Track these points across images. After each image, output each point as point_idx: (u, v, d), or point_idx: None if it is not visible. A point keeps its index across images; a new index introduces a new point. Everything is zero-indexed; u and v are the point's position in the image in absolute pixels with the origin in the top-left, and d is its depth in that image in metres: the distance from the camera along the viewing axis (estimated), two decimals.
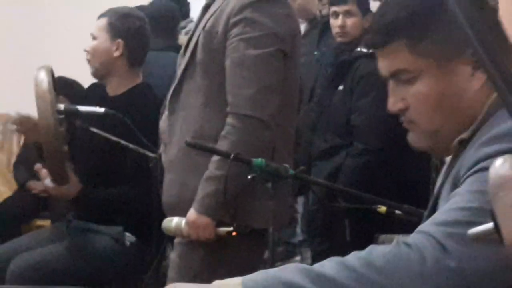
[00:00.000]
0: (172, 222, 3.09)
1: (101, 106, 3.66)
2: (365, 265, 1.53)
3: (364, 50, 4.48)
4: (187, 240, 3.10)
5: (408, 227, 3.34)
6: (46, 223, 5.64)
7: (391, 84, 1.83)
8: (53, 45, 7.21)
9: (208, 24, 3.16)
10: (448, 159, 1.86)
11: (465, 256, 1.46)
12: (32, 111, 3.65)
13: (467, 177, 1.58)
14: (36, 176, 3.99)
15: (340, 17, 4.92)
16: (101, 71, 3.99)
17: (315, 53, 5.35)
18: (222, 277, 3.02)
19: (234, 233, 3.00)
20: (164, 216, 3.20)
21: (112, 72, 3.98)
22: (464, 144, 1.75)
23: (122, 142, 3.55)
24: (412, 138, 1.85)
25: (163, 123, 3.36)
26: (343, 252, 5.13)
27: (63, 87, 4.95)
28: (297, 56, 3.28)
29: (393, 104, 1.82)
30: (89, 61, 4.03)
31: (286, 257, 6.56)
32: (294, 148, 3.58)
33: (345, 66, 4.82)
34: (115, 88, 3.99)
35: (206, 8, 3.29)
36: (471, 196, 1.51)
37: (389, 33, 1.81)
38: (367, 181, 4.23)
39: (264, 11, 3.08)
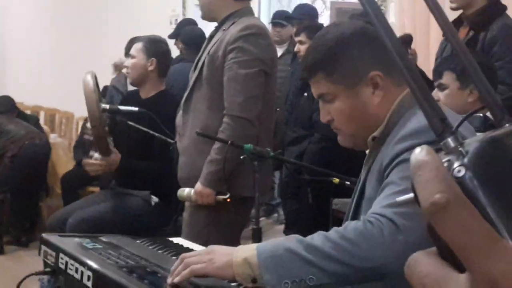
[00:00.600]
0: (184, 191, 3.09)
1: (135, 106, 3.71)
2: (341, 237, 1.53)
3: None
4: (194, 204, 3.10)
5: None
6: (96, 189, 5.55)
7: (320, 103, 1.86)
8: (98, 53, 7.18)
9: (212, 50, 3.15)
10: (367, 151, 1.87)
11: (408, 229, 1.47)
12: (78, 105, 3.66)
13: (392, 168, 1.60)
14: (88, 155, 4.00)
15: (298, 45, 5.00)
16: (138, 81, 3.97)
17: (289, 68, 5.36)
18: (219, 230, 3.10)
19: (229, 200, 3.01)
20: (180, 186, 3.20)
21: (146, 81, 3.95)
22: (376, 140, 1.76)
23: (150, 131, 3.55)
24: (340, 139, 1.88)
25: (178, 119, 3.31)
26: (307, 211, 5.15)
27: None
28: (275, 74, 3.26)
29: (323, 117, 1.85)
30: (128, 73, 4.03)
31: (267, 214, 6.55)
32: (273, 137, 3.56)
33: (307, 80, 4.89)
34: (147, 92, 3.96)
35: (210, 38, 3.29)
36: (401, 181, 1.53)
37: (310, 70, 1.83)
38: (324, 160, 4.19)
39: (251, 42, 3.07)
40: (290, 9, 6.83)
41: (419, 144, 0.43)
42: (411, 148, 1.35)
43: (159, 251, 1.91)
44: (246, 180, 3.01)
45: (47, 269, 1.81)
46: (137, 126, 3.62)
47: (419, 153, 0.41)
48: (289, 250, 1.56)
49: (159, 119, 3.58)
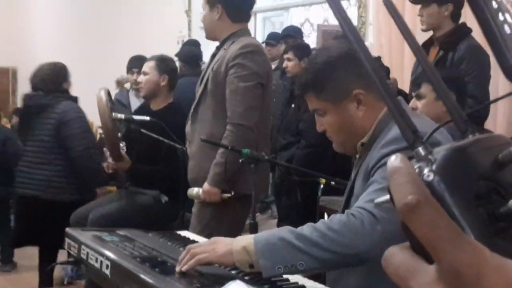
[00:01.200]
0: (194, 190, 3.09)
1: (147, 116, 3.74)
2: (327, 228, 1.57)
3: None
4: (202, 201, 3.10)
5: (338, 191, 3.40)
6: (113, 189, 5.52)
7: (315, 115, 1.88)
8: (113, 69, 7.16)
9: (215, 66, 3.14)
10: (357, 156, 1.88)
11: (386, 220, 1.49)
12: (96, 115, 3.66)
13: (377, 169, 1.62)
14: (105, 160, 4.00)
15: (286, 61, 5.00)
16: (151, 94, 3.94)
17: (280, 81, 5.34)
18: (223, 224, 3.10)
19: (231, 197, 3.02)
20: (189, 186, 3.19)
21: (158, 95, 3.93)
22: (365, 146, 1.79)
23: (160, 138, 3.53)
24: (334, 146, 1.89)
25: (188, 128, 3.30)
26: (297, 207, 5.11)
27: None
28: (270, 86, 3.26)
29: (318, 127, 1.87)
30: (141, 88, 4.00)
31: (262, 211, 6.52)
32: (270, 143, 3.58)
33: (294, 92, 4.81)
34: (157, 105, 3.95)
35: (213, 56, 3.27)
36: (383, 180, 1.55)
37: (303, 90, 1.87)
38: (310, 163, 4.17)
39: (249, 59, 3.07)
40: (282, 27, 6.85)
41: (400, 149, 0.43)
42: (393, 152, 1.36)
43: (168, 243, 1.92)
44: (246, 180, 2.99)
45: (71, 259, 1.82)
46: (149, 133, 3.62)
47: (394, 160, 0.42)
48: (282, 239, 1.59)
49: (168, 128, 3.57)
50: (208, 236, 2.18)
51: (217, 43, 3.36)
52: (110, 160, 3.78)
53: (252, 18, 4.17)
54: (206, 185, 3.05)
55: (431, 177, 0.41)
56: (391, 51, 4.84)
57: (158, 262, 1.56)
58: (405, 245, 0.42)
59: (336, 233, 1.57)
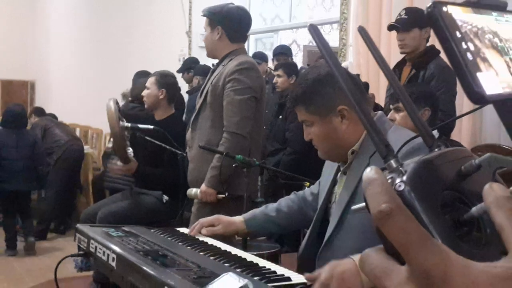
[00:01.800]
0: (192, 191, 3.09)
1: (151, 125, 3.73)
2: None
3: None
4: (200, 201, 3.11)
5: None
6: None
7: (304, 125, 1.88)
8: (121, 82, 7.18)
9: (214, 81, 3.16)
10: (340, 163, 1.90)
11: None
12: (106, 123, 3.66)
13: None
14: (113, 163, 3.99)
15: (276, 77, 5.01)
16: (152, 106, 3.95)
17: (270, 95, 5.35)
18: None
19: (225, 198, 3.02)
20: (188, 187, 3.19)
21: (158, 107, 3.93)
22: (356, 153, 1.80)
23: (162, 144, 3.54)
24: (319, 154, 1.89)
25: (188, 135, 3.31)
26: None
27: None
28: (263, 99, 3.26)
29: (306, 136, 1.87)
30: (145, 101, 4.00)
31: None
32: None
33: (282, 105, 4.85)
34: (159, 115, 3.95)
35: (212, 72, 3.29)
36: None
37: (294, 102, 1.87)
38: (295, 168, 4.18)
39: (245, 75, 3.08)
40: (272, 48, 6.88)
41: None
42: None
43: (169, 238, 1.91)
44: (239, 183, 3.00)
45: (80, 252, 1.81)
46: (153, 140, 3.61)
47: (369, 172, 0.41)
48: (264, 213, 2.14)
49: (169, 136, 3.57)
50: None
51: (214, 60, 3.37)
52: (118, 163, 3.78)
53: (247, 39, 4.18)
54: (203, 186, 3.06)
55: (402, 187, 0.41)
56: (369, 69, 4.86)
57: (159, 255, 1.55)
58: (380, 248, 0.42)
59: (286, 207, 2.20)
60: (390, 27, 3.75)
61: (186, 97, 5.97)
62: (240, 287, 1.25)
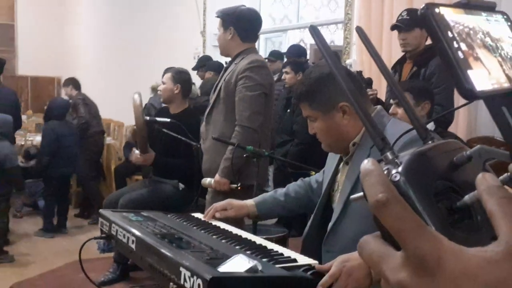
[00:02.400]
0: (207, 180, 3.08)
1: (167, 118, 3.74)
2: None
3: None
4: (214, 190, 3.11)
5: None
6: (139, 177, 5.54)
7: (308, 120, 1.89)
8: (141, 78, 7.20)
9: (227, 78, 3.15)
10: (342, 155, 1.90)
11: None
12: (126, 116, 3.68)
13: None
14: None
15: (284, 74, 5.01)
16: (167, 100, 3.98)
17: (282, 90, 5.35)
18: None
19: (239, 188, 3.01)
20: (202, 176, 3.19)
21: (173, 101, 3.95)
22: (357, 145, 1.80)
23: (178, 136, 3.55)
24: (322, 146, 1.89)
25: (202, 128, 3.31)
26: None
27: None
28: (273, 95, 3.26)
29: (310, 130, 1.88)
30: (160, 95, 4.02)
31: None
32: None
33: (290, 99, 4.83)
34: (174, 109, 3.96)
35: (225, 69, 3.29)
36: None
37: (298, 99, 1.88)
38: (302, 158, 4.16)
39: (255, 72, 3.08)
40: (280, 49, 6.84)
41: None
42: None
43: (184, 223, 1.92)
44: (250, 172, 3.01)
45: (103, 235, 1.82)
46: (169, 132, 3.63)
47: (366, 163, 0.41)
48: (273, 196, 2.17)
49: (185, 127, 3.59)
50: (220, 218, 2.18)
51: (227, 58, 3.37)
52: (137, 152, 3.79)
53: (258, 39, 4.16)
54: (217, 176, 3.06)
55: (398, 177, 0.41)
56: (371, 66, 4.82)
57: (175, 238, 1.55)
58: (377, 235, 0.42)
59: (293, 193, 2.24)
60: (393, 27, 3.73)
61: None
62: (250, 268, 1.26)
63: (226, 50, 3.30)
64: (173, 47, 7.57)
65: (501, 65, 0.43)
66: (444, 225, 0.40)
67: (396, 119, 1.88)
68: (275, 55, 5.97)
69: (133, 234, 1.58)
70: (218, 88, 3.22)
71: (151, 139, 3.85)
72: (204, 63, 6.13)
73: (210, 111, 3.26)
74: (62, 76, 11.07)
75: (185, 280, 1.23)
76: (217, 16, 3.32)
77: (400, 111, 2.99)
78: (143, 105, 5.32)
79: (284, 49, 6.23)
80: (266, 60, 5.78)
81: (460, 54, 0.40)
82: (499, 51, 0.44)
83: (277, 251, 1.57)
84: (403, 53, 3.76)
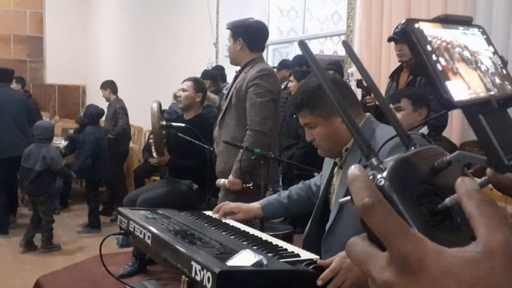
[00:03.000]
0: (221, 181, 3.08)
1: (182, 123, 3.75)
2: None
3: None
4: (227, 189, 3.11)
5: None
6: (157, 178, 5.56)
7: (305, 128, 1.88)
8: (160, 86, 7.24)
9: (237, 85, 3.16)
10: (336, 160, 1.90)
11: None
12: (145, 122, 3.70)
13: None
14: (152, 156, 4.03)
15: (289, 82, 5.01)
16: (188, 107, 3.96)
17: (288, 98, 5.34)
18: None
19: (251, 187, 3.00)
20: (214, 177, 3.20)
21: (192, 107, 3.95)
22: (349, 151, 1.79)
23: (192, 140, 3.56)
24: (319, 152, 1.89)
25: (215, 132, 3.32)
26: None
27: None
28: (280, 101, 3.26)
29: (308, 138, 1.88)
30: (180, 101, 4.01)
31: None
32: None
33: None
34: (189, 115, 3.96)
35: (236, 77, 3.29)
36: None
37: (298, 107, 1.86)
38: (306, 160, 4.18)
39: (264, 80, 3.09)
40: (287, 57, 6.84)
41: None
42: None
43: (196, 220, 1.91)
44: (259, 173, 2.98)
45: (121, 231, 1.82)
46: (184, 136, 3.64)
47: (353, 169, 0.41)
48: (278, 199, 2.15)
49: (198, 132, 3.59)
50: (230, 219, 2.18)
51: (237, 68, 3.37)
52: (155, 155, 3.80)
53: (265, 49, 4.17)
54: (230, 177, 3.07)
55: (382, 182, 0.41)
56: (372, 74, 4.76)
57: (187, 234, 1.55)
58: (364, 236, 0.41)
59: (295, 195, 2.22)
60: (390, 39, 3.71)
61: None
62: (256, 262, 1.26)
63: (236, 60, 3.31)
64: (189, 57, 7.60)
65: (478, 76, 0.43)
66: (426, 227, 0.40)
67: (384, 125, 1.88)
68: (281, 65, 5.99)
69: (149, 231, 1.58)
70: (230, 95, 3.22)
71: (168, 143, 3.86)
72: (219, 71, 6.16)
73: (222, 116, 3.27)
74: (87, 84, 11.17)
75: (196, 273, 1.23)
76: (227, 28, 3.33)
77: (399, 115, 2.99)
78: (164, 110, 5.37)
79: (290, 59, 6.23)
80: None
81: (438, 66, 0.40)
82: (476, 63, 0.44)
83: (281, 247, 1.56)
84: (400, 63, 3.75)
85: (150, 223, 1.68)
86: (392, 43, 3.76)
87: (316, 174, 3.18)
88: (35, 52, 10.91)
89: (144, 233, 1.61)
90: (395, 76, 3.77)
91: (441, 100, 0.39)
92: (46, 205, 4.99)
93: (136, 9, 9.18)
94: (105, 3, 10.53)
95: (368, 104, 3.77)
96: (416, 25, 0.42)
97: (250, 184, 3.00)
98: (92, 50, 11.00)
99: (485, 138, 0.41)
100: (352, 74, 4.92)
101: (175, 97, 6.45)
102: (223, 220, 2.01)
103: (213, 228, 1.78)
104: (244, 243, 1.56)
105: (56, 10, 10.92)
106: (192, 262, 1.25)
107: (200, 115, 4.03)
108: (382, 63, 4.64)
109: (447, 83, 0.40)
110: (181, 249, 1.36)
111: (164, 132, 3.78)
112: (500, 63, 0.46)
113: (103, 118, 6.38)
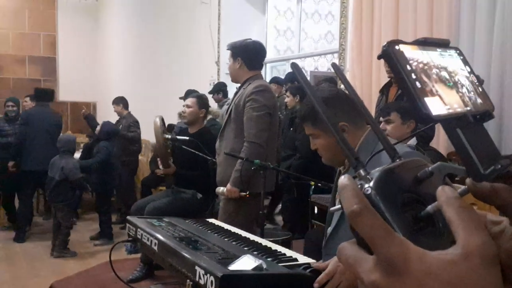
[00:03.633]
0: (220, 189, 3.09)
1: (186, 136, 3.76)
2: None
3: None
4: (226, 198, 3.11)
5: (324, 191, 3.37)
6: (163, 188, 5.54)
7: (310, 138, 1.88)
8: (164, 101, 7.24)
9: (236, 101, 3.17)
10: (341, 168, 1.89)
11: None
12: (152, 135, 3.72)
13: None
14: (158, 167, 4.03)
15: (285, 97, 5.05)
16: (192, 122, 3.95)
17: (284, 112, 5.36)
18: (242, 214, 3.09)
19: (247, 195, 3.01)
20: (216, 186, 3.20)
21: (196, 122, 3.95)
22: None
23: (196, 152, 3.58)
24: (323, 160, 1.88)
25: (217, 144, 3.31)
26: (294, 202, 5.05)
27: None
28: (276, 114, 3.26)
29: (312, 146, 1.88)
30: (184, 117, 4.01)
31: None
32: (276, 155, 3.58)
33: (293, 119, 4.84)
34: (193, 129, 3.96)
35: (235, 94, 3.31)
36: None
37: (301, 120, 1.88)
38: (303, 170, 4.20)
39: (260, 95, 3.09)
40: (284, 73, 6.87)
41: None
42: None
43: (200, 227, 1.91)
44: (258, 183, 2.99)
45: (130, 238, 1.82)
46: (188, 148, 3.65)
47: (343, 179, 0.41)
48: None
49: (201, 145, 3.60)
50: (231, 223, 2.17)
51: (238, 84, 3.39)
52: (161, 167, 3.80)
53: (263, 67, 4.19)
54: (228, 186, 3.06)
55: (370, 191, 0.41)
56: (362, 89, 4.83)
57: (192, 241, 1.55)
58: (353, 241, 0.42)
59: None
60: (379, 57, 3.72)
61: None
62: (256, 266, 1.26)
63: (236, 78, 3.33)
64: (192, 75, 7.63)
65: (455, 93, 0.43)
66: (410, 232, 0.40)
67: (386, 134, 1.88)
68: (278, 82, 6.04)
69: (156, 238, 1.58)
70: (230, 109, 3.23)
71: (174, 155, 3.87)
72: (220, 88, 6.17)
73: (223, 129, 3.27)
74: (97, 101, 11.19)
75: (199, 277, 1.23)
76: (228, 49, 3.36)
77: (388, 127, 2.99)
78: (171, 124, 5.36)
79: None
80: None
81: (417, 84, 0.40)
82: (454, 81, 0.44)
83: (280, 252, 1.56)
84: (389, 78, 3.76)
85: (156, 230, 1.68)
86: (382, 60, 3.76)
87: (312, 183, 3.19)
88: (49, 72, 10.98)
89: (151, 240, 1.61)
90: (384, 90, 3.78)
91: (420, 115, 0.40)
92: (64, 212, 5.11)
93: (143, 31, 9.23)
94: (114, 26, 10.59)
95: None
96: (397, 47, 0.42)
97: (247, 193, 3.00)
98: (101, 70, 11.05)
99: (463, 150, 0.41)
100: (344, 89, 4.94)
101: (180, 116, 6.49)
102: (225, 227, 2.01)
103: (215, 234, 1.78)
104: (245, 248, 1.56)
105: (68, 32, 10.99)
106: (196, 267, 1.25)
107: (203, 129, 4.04)
108: (373, 78, 4.66)
109: (426, 99, 0.40)
110: (185, 254, 1.36)
111: (169, 144, 3.79)
112: (476, 81, 0.46)
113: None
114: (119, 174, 5.97)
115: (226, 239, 1.69)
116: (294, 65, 0.48)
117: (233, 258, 1.34)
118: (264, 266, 1.27)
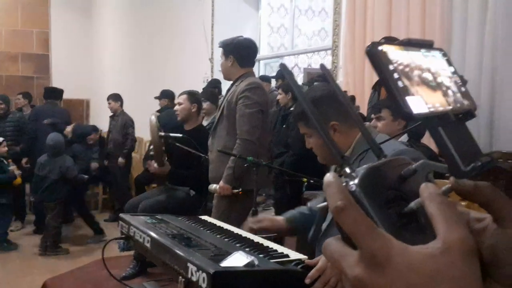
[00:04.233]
0: (213, 186, 3.09)
1: (181, 133, 3.75)
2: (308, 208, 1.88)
3: (292, 109, 4.53)
4: (219, 195, 3.10)
5: (316, 187, 3.37)
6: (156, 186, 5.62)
7: (305, 137, 1.88)
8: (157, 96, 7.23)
9: (229, 98, 3.17)
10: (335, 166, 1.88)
11: None
12: (146, 132, 3.70)
13: None
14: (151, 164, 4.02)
15: (278, 95, 5.04)
16: (185, 118, 3.93)
17: (276, 109, 5.37)
18: (235, 211, 3.09)
19: (240, 192, 3.01)
20: (209, 184, 3.19)
21: (189, 119, 3.93)
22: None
23: (189, 149, 3.56)
24: (318, 159, 1.88)
25: (209, 141, 3.31)
26: (287, 198, 5.01)
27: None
28: (268, 111, 3.25)
29: (307, 145, 1.87)
30: (178, 114, 3.99)
31: (265, 201, 6.38)
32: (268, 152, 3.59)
33: (285, 116, 4.85)
34: (189, 126, 3.94)
35: (228, 91, 3.29)
36: None
37: (295, 119, 1.90)
38: (295, 167, 4.20)
39: (252, 92, 3.09)
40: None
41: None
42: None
43: (192, 224, 1.90)
44: (250, 180, 2.96)
45: (122, 236, 1.82)
46: (182, 146, 3.63)
47: (328, 177, 0.42)
48: (298, 210, 2.00)
49: (196, 143, 3.58)
50: (224, 220, 2.17)
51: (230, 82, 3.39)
52: (155, 165, 3.79)
53: (256, 64, 4.19)
54: (221, 183, 3.06)
55: (354, 188, 0.42)
56: (355, 86, 4.85)
57: (184, 238, 1.54)
58: (338, 237, 0.42)
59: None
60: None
61: None
62: (248, 263, 1.26)
63: (228, 75, 3.32)
64: (186, 72, 7.62)
65: (438, 92, 0.44)
66: (393, 227, 0.41)
67: (382, 134, 1.88)
68: (265, 79, 6.06)
69: (148, 235, 1.58)
70: (222, 107, 3.23)
71: (168, 152, 3.85)
72: (214, 85, 6.16)
73: (215, 126, 3.27)
74: (90, 98, 11.14)
75: (192, 274, 1.23)
76: (219, 47, 3.35)
77: (379, 124, 3.01)
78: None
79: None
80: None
81: (399, 83, 0.41)
82: (436, 81, 0.45)
83: (272, 248, 1.56)
84: None
85: (149, 227, 1.67)
86: None
87: (305, 180, 3.19)
88: (42, 69, 10.90)
89: (144, 237, 1.60)
90: (377, 87, 3.79)
91: (402, 113, 0.41)
92: (56, 210, 5.10)
93: (136, 28, 9.19)
94: (107, 23, 10.54)
95: None
96: (380, 48, 0.43)
97: (239, 190, 2.99)
98: (94, 67, 11.00)
99: (444, 148, 0.42)
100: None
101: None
102: (218, 224, 2.01)
103: (208, 231, 1.78)
104: (237, 245, 1.56)
105: (61, 29, 10.92)
106: (188, 264, 1.25)
107: (199, 127, 4.02)
108: (365, 75, 4.68)
109: (407, 98, 0.41)
110: (178, 251, 1.36)
111: (163, 142, 3.78)
112: (459, 81, 0.47)
113: (105, 129, 6.39)
114: (109, 173, 5.96)
115: (218, 236, 1.69)
116: (282, 66, 0.48)
117: (225, 254, 1.34)
118: (256, 262, 1.28)
